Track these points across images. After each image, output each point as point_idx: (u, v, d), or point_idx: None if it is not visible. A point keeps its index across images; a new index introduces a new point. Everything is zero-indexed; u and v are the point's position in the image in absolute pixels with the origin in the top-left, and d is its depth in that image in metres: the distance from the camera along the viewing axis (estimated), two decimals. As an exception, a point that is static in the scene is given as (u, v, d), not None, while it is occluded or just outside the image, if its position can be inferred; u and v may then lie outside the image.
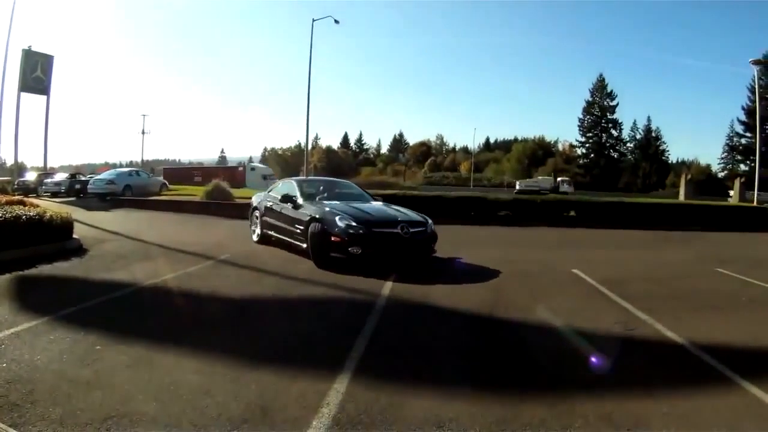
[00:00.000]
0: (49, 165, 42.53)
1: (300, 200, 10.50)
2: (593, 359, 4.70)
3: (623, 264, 11.08)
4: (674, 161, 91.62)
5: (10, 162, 41.19)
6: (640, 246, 15.01)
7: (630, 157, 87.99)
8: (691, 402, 3.92)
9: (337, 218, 9.08)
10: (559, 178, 61.03)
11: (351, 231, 8.85)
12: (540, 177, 65.04)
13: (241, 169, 57.21)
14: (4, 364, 4.21)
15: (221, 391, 3.97)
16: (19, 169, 40.62)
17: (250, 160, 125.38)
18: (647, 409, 3.70)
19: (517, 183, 60.42)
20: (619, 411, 3.63)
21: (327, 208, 9.70)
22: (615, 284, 8.09)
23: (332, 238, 8.92)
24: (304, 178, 16.33)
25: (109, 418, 3.44)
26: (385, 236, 9.05)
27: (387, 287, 7.52)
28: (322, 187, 12.00)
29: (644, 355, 5.09)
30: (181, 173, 55.53)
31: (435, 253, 9.87)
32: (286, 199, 10.70)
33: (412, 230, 9.26)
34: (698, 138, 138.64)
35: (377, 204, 11.01)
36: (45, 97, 41.45)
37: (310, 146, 53.73)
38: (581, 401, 3.80)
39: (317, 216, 9.44)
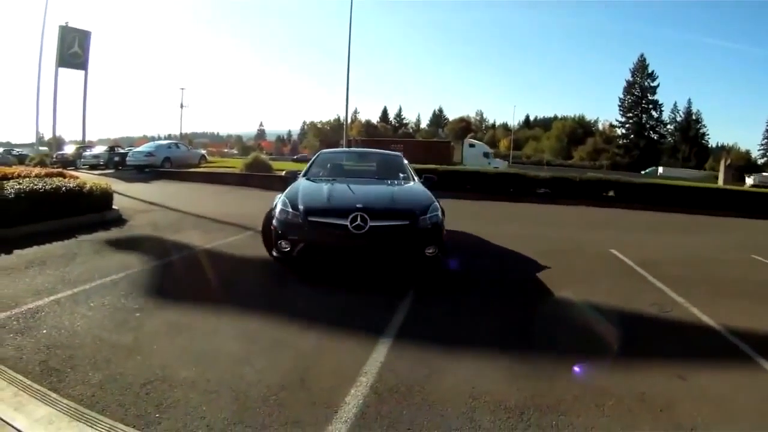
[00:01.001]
0: (87, 138, 43.65)
1: (300, 177, 8.27)
2: (627, 339, 4.80)
3: (660, 246, 10.88)
4: (713, 145, 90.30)
5: (48, 136, 42.34)
6: (677, 229, 14.68)
7: (669, 139, 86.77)
8: (723, 386, 3.93)
9: (280, 201, 6.77)
10: None
11: (284, 219, 6.44)
12: None
13: (452, 144, 53.76)
14: (44, 331, 4.31)
15: (260, 358, 4.02)
16: (58, 142, 41.72)
17: (289, 133, 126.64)
18: (679, 391, 3.74)
19: (751, 177, 57.87)
20: (651, 391, 3.68)
21: (297, 187, 7.32)
22: (652, 266, 8.04)
23: (272, 227, 6.70)
24: (335, 149, 13.61)
25: (149, 382, 3.50)
26: (324, 228, 6.21)
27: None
28: (346, 161, 9.81)
29: (678, 338, 5.10)
30: (371, 145, 46.45)
31: (437, 261, 6.47)
32: (291, 175, 8.77)
33: (374, 223, 6.08)
34: (738, 123, 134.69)
35: (382, 184, 7.80)
36: (83, 72, 42.42)
37: (349, 120, 52.95)
38: (615, 380, 3.87)
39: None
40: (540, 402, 3.45)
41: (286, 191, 7.01)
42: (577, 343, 4.69)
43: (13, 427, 2.88)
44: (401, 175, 8.57)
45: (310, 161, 9.21)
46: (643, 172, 56.93)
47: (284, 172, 9.42)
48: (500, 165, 44.29)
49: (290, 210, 6.44)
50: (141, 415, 3.08)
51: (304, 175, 8.33)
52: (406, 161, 9.44)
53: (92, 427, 2.92)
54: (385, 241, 6.19)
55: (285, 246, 6.29)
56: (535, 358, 4.28)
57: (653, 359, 4.36)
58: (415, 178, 8.53)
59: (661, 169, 56.68)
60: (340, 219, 6.12)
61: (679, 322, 5.50)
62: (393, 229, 6.25)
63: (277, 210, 6.60)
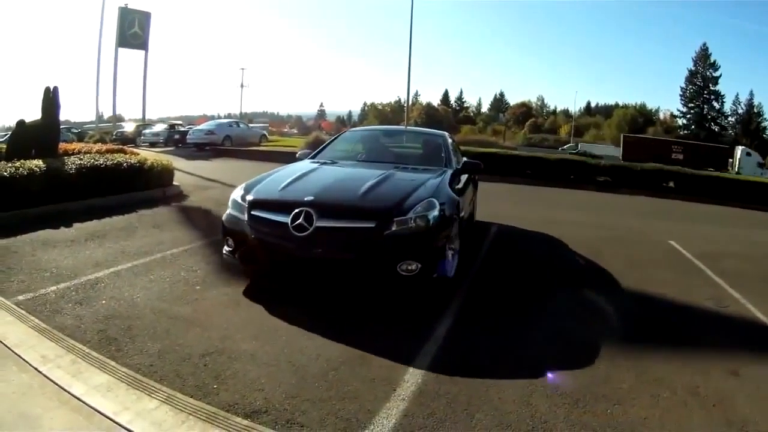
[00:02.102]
0: (147, 117, 45.00)
1: (306, 160, 6.98)
2: (682, 332, 4.85)
3: (720, 240, 10.60)
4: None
5: (108, 115, 44.06)
6: (736, 223, 14.22)
7: (730, 132, 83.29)
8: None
9: (238, 187, 5.50)
10: None
11: (233, 211, 5.19)
12: None
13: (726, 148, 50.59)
14: (103, 301, 4.40)
15: (318, 333, 4.00)
16: (118, 121, 43.20)
17: (350, 114, 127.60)
18: (733, 387, 3.70)
19: None
20: (705, 386, 3.66)
21: (275, 170, 6.16)
22: (710, 259, 7.89)
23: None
24: (366, 127, 9.99)
25: (208, 354, 3.53)
26: (265, 227, 4.81)
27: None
28: (371, 142, 7.89)
29: (734, 334, 5.02)
30: (650, 146, 44.97)
31: (420, 283, 4.74)
32: (303, 156, 7.33)
33: (321, 224, 4.54)
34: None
35: (382, 170, 5.83)
36: (143, 51, 43.80)
37: (410, 102, 52.21)
38: (669, 373, 3.84)
39: None
40: (596, 390, 3.45)
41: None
42: (633, 332, 4.67)
43: (69, 393, 2.93)
44: (437, 160, 6.82)
45: (330, 139, 8.11)
46: (561, 149, 53.79)
47: (298, 153, 7.78)
48: None
49: (239, 201, 5.16)
50: (199, 385, 3.10)
51: (312, 156, 7.12)
52: (451, 144, 7.56)
53: (150, 396, 2.94)
54: (332, 248, 4.65)
55: (230, 244, 5.09)
56: (589, 346, 4.24)
57: (708, 353, 4.34)
58: (455, 165, 6.82)
59: (581, 146, 55.61)
60: (282, 215, 4.72)
61: (735, 318, 5.41)
62: (346, 233, 4.66)
63: (230, 199, 5.36)
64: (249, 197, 5.06)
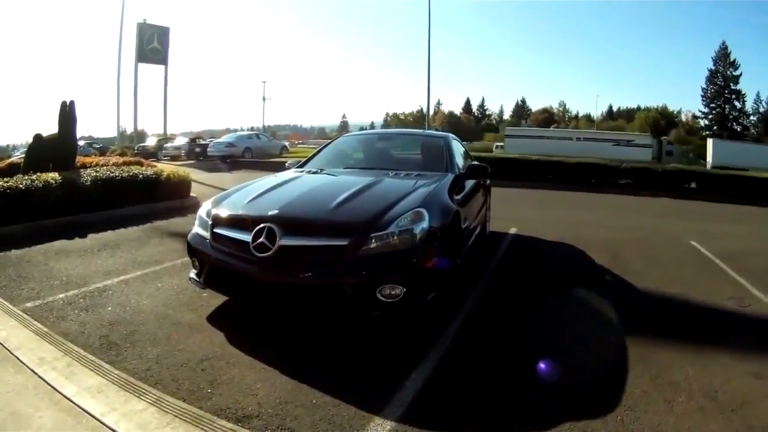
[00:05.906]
0: (170, 131, 45.69)
1: (291, 169, 6.49)
2: (702, 333, 4.70)
3: (741, 239, 10.45)
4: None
5: (130, 130, 44.77)
6: (758, 222, 14.02)
7: (752, 131, 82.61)
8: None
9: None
10: None
11: (198, 229, 4.65)
12: None
13: None
14: (109, 308, 4.50)
15: (324, 338, 4.03)
16: (139, 136, 44.16)
17: (372, 124, 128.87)
18: (754, 391, 3.54)
19: None
20: (724, 389, 3.53)
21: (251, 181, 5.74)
22: (731, 259, 7.73)
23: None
24: (362, 132, 8.69)
25: (206, 359, 3.56)
26: (227, 246, 4.24)
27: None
28: (366, 146, 7.29)
29: (755, 335, 4.86)
30: None
31: (403, 310, 3.97)
32: (292, 165, 6.78)
33: (285, 242, 3.92)
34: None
35: (370, 177, 5.26)
36: (163, 66, 44.45)
37: (431, 111, 51.96)
38: (687, 376, 3.71)
39: None
40: (607, 394, 3.38)
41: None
42: (649, 333, 4.56)
43: (61, 394, 3.00)
44: (437, 164, 6.08)
45: (322, 145, 7.46)
46: None
47: (287, 162, 7.21)
48: None
49: (204, 216, 4.64)
50: (193, 390, 3.12)
51: (300, 165, 6.62)
52: (455, 147, 6.90)
53: (139, 398, 2.99)
54: (298, 271, 3.93)
55: (195, 266, 4.55)
56: (604, 348, 4.22)
57: (728, 355, 4.18)
58: (459, 170, 6.19)
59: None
60: (244, 233, 4.15)
61: (758, 318, 5.27)
62: (315, 252, 3.98)
63: (197, 215, 4.84)
64: (213, 212, 4.56)
